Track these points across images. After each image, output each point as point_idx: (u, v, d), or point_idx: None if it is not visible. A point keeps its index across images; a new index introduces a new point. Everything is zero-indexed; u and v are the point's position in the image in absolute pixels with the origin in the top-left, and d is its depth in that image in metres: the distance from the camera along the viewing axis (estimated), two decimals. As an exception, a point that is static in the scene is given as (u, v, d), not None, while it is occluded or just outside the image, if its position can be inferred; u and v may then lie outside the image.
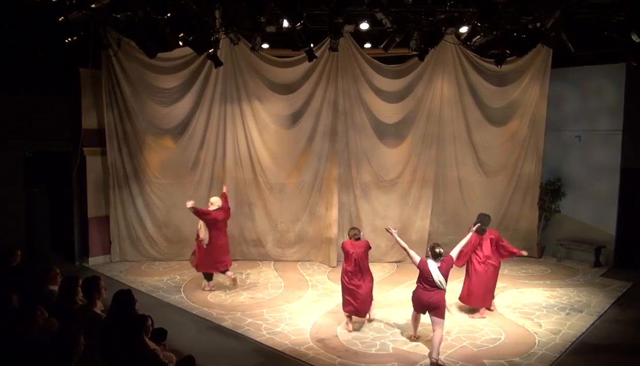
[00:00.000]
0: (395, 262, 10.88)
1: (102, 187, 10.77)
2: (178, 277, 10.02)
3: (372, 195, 11.14)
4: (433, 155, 11.19)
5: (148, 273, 10.22)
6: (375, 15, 7.87)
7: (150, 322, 4.71)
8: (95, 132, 10.59)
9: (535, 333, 7.52)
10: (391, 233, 7.44)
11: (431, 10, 8.03)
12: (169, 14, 7.28)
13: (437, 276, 6.62)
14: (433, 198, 11.31)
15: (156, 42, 8.70)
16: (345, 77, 10.72)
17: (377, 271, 9.11)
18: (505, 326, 7.79)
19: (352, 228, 7.90)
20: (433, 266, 6.65)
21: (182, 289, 9.32)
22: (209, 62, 9.88)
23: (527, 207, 11.67)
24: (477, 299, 8.08)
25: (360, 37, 10.38)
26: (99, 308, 5.41)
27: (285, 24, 8.55)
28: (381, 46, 9.19)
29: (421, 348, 7.00)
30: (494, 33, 8.33)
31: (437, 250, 6.72)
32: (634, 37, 7.50)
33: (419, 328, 7.28)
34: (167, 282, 9.71)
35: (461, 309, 8.44)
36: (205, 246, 8.95)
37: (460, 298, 8.32)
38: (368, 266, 7.79)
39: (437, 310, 6.66)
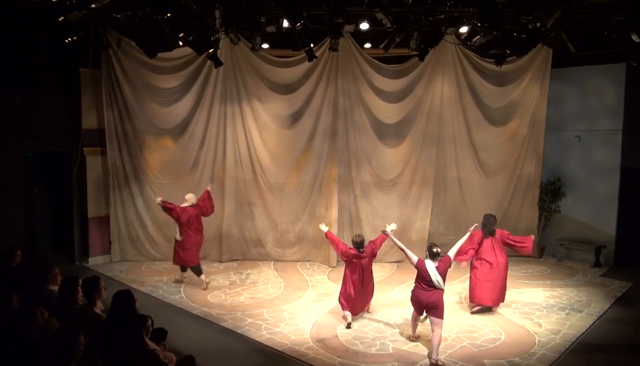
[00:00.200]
0: (395, 262, 10.88)
1: (102, 187, 10.77)
2: (178, 277, 10.00)
3: (372, 195, 11.14)
4: (433, 155, 11.19)
5: (148, 273, 10.22)
6: (375, 15, 7.88)
7: (150, 322, 4.71)
8: (95, 132, 10.59)
9: (535, 333, 7.52)
10: (387, 234, 7.51)
11: (431, 10, 8.03)
12: (169, 14, 7.28)
13: (434, 276, 6.63)
14: (433, 198, 11.31)
15: (156, 42, 8.70)
16: (345, 77, 10.72)
17: (377, 271, 9.11)
18: (505, 326, 7.79)
19: (357, 236, 7.94)
20: (431, 266, 6.66)
21: (182, 289, 9.32)
22: (209, 62, 9.88)
23: (527, 207, 11.68)
24: (493, 298, 8.17)
25: (360, 37, 10.38)
26: (99, 308, 5.41)
27: (285, 24, 8.55)
28: (381, 46, 9.19)
29: (421, 348, 7.00)
30: (494, 33, 8.33)
31: (435, 250, 6.74)
32: (634, 37, 7.50)
33: (419, 328, 7.29)
34: (167, 282, 9.71)
35: (461, 309, 8.44)
36: (177, 240, 9.22)
37: (473, 300, 8.31)
38: (372, 274, 8.01)
39: (435, 309, 6.67)
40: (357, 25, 9.16)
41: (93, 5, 6.89)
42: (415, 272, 6.89)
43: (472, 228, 7.50)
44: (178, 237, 9.21)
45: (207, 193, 9.62)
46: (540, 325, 7.82)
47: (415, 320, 7.19)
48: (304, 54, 9.50)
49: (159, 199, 9.22)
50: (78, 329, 4.12)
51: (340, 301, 7.97)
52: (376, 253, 7.97)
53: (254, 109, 10.90)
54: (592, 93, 11.25)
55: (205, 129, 10.86)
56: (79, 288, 5.46)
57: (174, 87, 10.61)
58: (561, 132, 11.66)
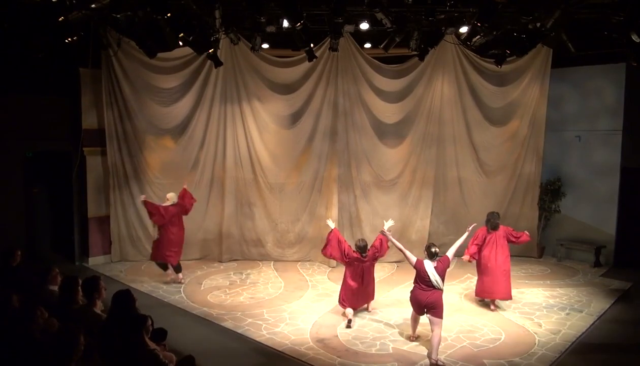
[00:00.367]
0: (395, 262, 10.87)
1: (102, 187, 10.77)
2: (172, 277, 10.00)
3: (372, 195, 11.14)
4: (433, 155, 11.20)
5: (148, 273, 10.21)
6: (375, 15, 7.88)
7: (150, 322, 4.71)
8: (95, 132, 10.59)
9: (535, 333, 7.52)
10: (386, 235, 7.54)
11: (431, 10, 8.03)
12: (169, 14, 7.29)
13: (433, 276, 6.64)
14: (433, 198, 11.32)
15: (156, 42, 8.70)
16: (345, 77, 10.72)
17: (377, 271, 9.09)
18: (505, 326, 7.79)
19: (361, 240, 8.00)
20: (429, 266, 6.68)
21: (182, 289, 9.32)
22: (209, 62, 9.88)
23: (527, 207, 11.68)
24: (493, 292, 8.39)
25: (360, 37, 10.38)
26: (99, 308, 5.41)
27: (285, 24, 8.55)
28: (381, 46, 9.20)
29: (421, 348, 7.00)
30: (494, 33, 8.33)
31: (433, 249, 6.75)
32: (634, 37, 7.49)
33: (419, 328, 7.28)
34: (167, 282, 9.70)
35: (461, 309, 8.44)
36: (156, 237, 9.43)
37: (477, 294, 8.60)
38: (373, 276, 8.09)
39: (435, 309, 6.67)
40: (357, 25, 9.16)
41: (93, 5, 6.89)
42: (414, 272, 6.90)
43: (470, 228, 7.50)
44: (155, 236, 9.44)
45: (184, 190, 9.75)
46: (540, 325, 7.82)
47: (414, 320, 7.19)
48: (304, 54, 9.51)
49: (142, 197, 9.46)
50: (78, 329, 4.12)
51: (340, 302, 8.01)
52: (377, 257, 8.01)
53: (254, 109, 10.90)
54: (592, 93, 11.24)
55: (205, 129, 10.86)
56: (79, 288, 5.46)
57: (174, 87, 10.61)
58: (561, 132, 11.65)
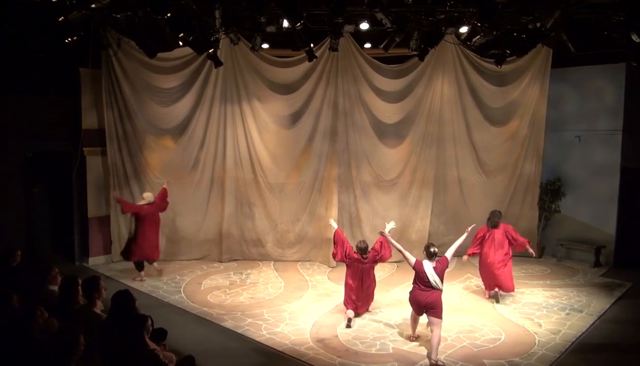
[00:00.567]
0: (395, 262, 10.84)
1: (102, 187, 10.76)
2: (178, 277, 10.02)
3: (372, 195, 11.13)
4: (433, 155, 11.20)
5: (148, 273, 10.20)
6: (375, 15, 7.88)
7: (150, 322, 4.71)
8: (96, 132, 10.58)
9: (535, 333, 7.52)
10: (385, 236, 7.55)
11: (431, 10, 8.03)
12: (169, 14, 7.29)
13: (432, 276, 6.65)
14: (433, 198, 11.32)
15: (156, 42, 8.70)
16: (345, 77, 10.72)
17: (377, 271, 9.07)
18: (505, 326, 7.79)
19: (362, 241, 8.03)
20: (428, 266, 6.69)
21: (182, 289, 9.32)
22: (209, 62, 9.88)
23: (527, 207, 11.67)
24: (492, 285, 8.72)
25: (360, 37, 10.38)
26: (99, 308, 5.41)
27: (285, 24, 8.55)
28: (381, 46, 9.20)
29: (421, 349, 7.00)
30: (494, 33, 8.34)
31: (432, 250, 6.77)
32: (634, 37, 7.49)
33: (419, 328, 7.29)
34: (167, 282, 9.71)
35: (461, 309, 8.44)
36: (132, 234, 9.68)
37: (487, 288, 8.91)
38: (372, 278, 8.11)
39: (434, 309, 6.68)
40: (357, 25, 9.16)
41: (93, 5, 6.89)
42: (414, 272, 6.90)
43: (469, 229, 7.50)
44: (132, 232, 9.67)
45: (164, 190, 9.92)
46: (540, 325, 7.82)
47: (414, 320, 7.20)
48: (304, 54, 9.51)
49: (115, 193, 9.76)
50: (78, 329, 4.12)
51: (344, 303, 8.07)
52: (378, 259, 8.02)
53: (254, 109, 10.90)
54: (592, 93, 11.24)
55: (205, 129, 10.85)
56: (79, 288, 5.46)
57: (174, 87, 10.60)
58: (561, 132, 11.65)
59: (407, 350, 6.98)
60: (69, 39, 8.22)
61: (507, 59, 9.87)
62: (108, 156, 10.56)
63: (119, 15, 7.56)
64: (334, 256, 8.19)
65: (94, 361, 4.28)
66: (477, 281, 9.91)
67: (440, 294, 6.76)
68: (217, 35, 9.00)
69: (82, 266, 10.55)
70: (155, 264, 9.94)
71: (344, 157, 10.96)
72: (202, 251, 11.22)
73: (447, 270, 6.98)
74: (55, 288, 5.86)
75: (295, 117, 11.01)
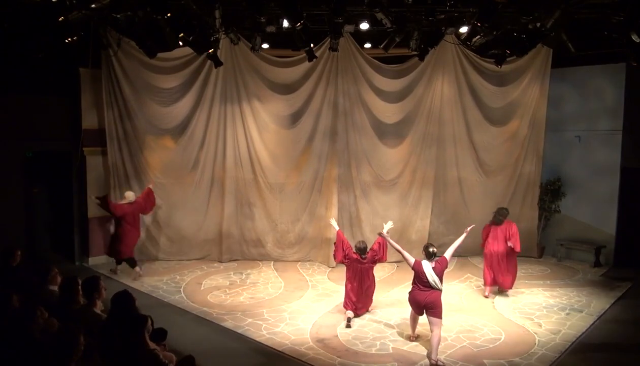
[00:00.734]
0: (395, 262, 10.84)
1: (103, 187, 10.75)
2: (178, 277, 10.02)
3: (372, 195, 11.13)
4: (433, 155, 11.20)
5: (148, 273, 10.21)
6: (375, 15, 7.88)
7: (150, 322, 4.71)
8: (96, 132, 10.58)
9: (535, 333, 7.52)
10: (384, 237, 7.55)
11: (431, 10, 8.03)
12: (169, 14, 7.29)
13: (431, 276, 6.65)
14: (433, 198, 11.32)
15: (156, 42, 8.70)
16: (345, 77, 10.72)
17: (377, 271, 9.09)
18: (505, 326, 7.79)
19: (361, 242, 8.05)
20: (427, 266, 6.69)
21: (182, 289, 9.32)
22: (209, 62, 9.88)
23: (527, 207, 11.68)
24: (491, 280, 8.98)
25: (360, 37, 10.38)
26: (99, 308, 5.40)
27: (285, 24, 8.55)
28: (381, 46, 9.20)
29: (421, 348, 7.00)
30: (494, 33, 8.34)
31: (431, 250, 6.77)
32: (634, 37, 7.49)
33: (419, 328, 7.29)
34: (167, 282, 9.71)
35: (461, 309, 8.44)
36: (111, 233, 9.89)
37: (488, 283, 9.04)
38: (372, 278, 8.10)
39: (433, 309, 6.68)
40: (357, 25, 9.16)
41: (93, 5, 6.89)
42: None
43: (469, 229, 7.47)
44: (112, 230, 9.86)
45: (149, 189, 10.07)
46: (540, 325, 7.82)
47: (414, 320, 7.20)
48: (304, 54, 9.50)
49: (94, 197, 9.88)
50: (78, 329, 4.12)
51: (344, 302, 8.09)
52: (377, 260, 8.03)
53: (254, 109, 10.90)
54: (592, 93, 11.24)
55: (205, 129, 10.85)
56: (79, 288, 5.46)
57: (174, 87, 10.60)
58: (561, 132, 11.65)
59: (407, 350, 6.98)
60: (69, 39, 8.22)
61: (507, 59, 9.87)
62: (108, 155, 10.56)
63: (119, 15, 7.56)
64: (335, 257, 8.22)
65: (94, 361, 4.28)
66: (477, 281, 9.93)
67: (440, 294, 6.76)
68: (217, 35, 9.00)
69: (82, 266, 10.55)
70: (118, 266, 10.03)
71: (344, 157, 10.96)
72: (202, 251, 11.23)
73: (446, 270, 6.98)
74: (55, 288, 5.86)
75: (295, 117, 11.00)
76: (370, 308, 8.28)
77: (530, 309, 8.51)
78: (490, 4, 7.28)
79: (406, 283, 9.28)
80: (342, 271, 8.42)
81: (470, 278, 10.20)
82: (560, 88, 11.51)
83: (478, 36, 8.53)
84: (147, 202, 10.05)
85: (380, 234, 7.79)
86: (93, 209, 10.69)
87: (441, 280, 6.76)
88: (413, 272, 6.89)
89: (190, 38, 8.16)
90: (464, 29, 9.08)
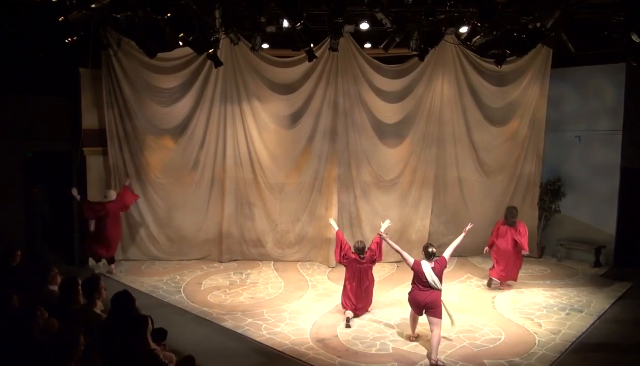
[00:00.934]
0: (395, 262, 10.85)
1: (103, 187, 10.75)
2: (178, 277, 10.02)
3: (372, 195, 11.13)
4: (433, 155, 11.20)
5: (148, 273, 10.22)
6: (375, 15, 7.88)
7: (150, 322, 4.71)
8: (96, 132, 10.57)
9: (535, 333, 7.52)
10: (383, 238, 7.55)
11: (431, 10, 8.03)
12: (169, 14, 7.29)
13: (430, 276, 6.66)
14: (433, 198, 11.32)
15: (156, 42, 8.70)
16: (345, 77, 10.71)
17: (377, 271, 9.10)
18: (505, 326, 7.79)
19: (359, 242, 8.06)
20: (427, 266, 6.70)
21: (182, 289, 9.32)
22: (209, 62, 9.87)
23: (527, 207, 11.67)
24: (501, 275, 9.44)
25: (360, 37, 10.38)
26: (99, 308, 5.41)
27: (285, 24, 8.54)
28: (381, 46, 9.19)
29: (421, 348, 7.00)
30: (494, 33, 8.33)
31: (430, 250, 6.78)
32: (634, 37, 7.49)
33: (419, 328, 7.29)
34: (167, 282, 9.71)
35: (461, 309, 8.44)
36: (91, 231, 9.89)
37: (493, 275, 9.49)
38: (371, 278, 8.10)
39: (433, 309, 6.68)
40: (357, 25, 9.16)
41: (93, 5, 6.88)
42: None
43: (467, 229, 7.47)
44: (92, 228, 9.87)
45: (125, 188, 10.18)
46: (540, 325, 7.82)
47: (413, 320, 7.20)
48: (304, 54, 9.50)
49: (74, 192, 9.81)
50: (78, 329, 4.12)
51: (342, 302, 8.08)
52: (375, 260, 8.04)
53: (254, 109, 10.89)
54: (592, 93, 11.24)
55: (205, 129, 10.85)
56: (79, 288, 5.46)
57: (174, 87, 10.60)
58: (561, 132, 11.65)
59: (407, 350, 6.98)
60: (69, 39, 8.21)
61: (507, 59, 9.86)
62: (109, 155, 10.57)
63: (119, 15, 7.56)
64: (335, 257, 8.23)
65: (94, 361, 4.28)
66: (477, 281, 9.94)
67: (440, 294, 6.76)
68: (217, 35, 8.99)
69: (82, 266, 10.53)
70: (101, 263, 10.19)
71: (344, 157, 10.95)
72: (203, 251, 11.23)
73: (446, 270, 6.98)
74: (55, 288, 5.86)
75: (295, 117, 11.00)
76: (370, 308, 8.28)
77: (530, 309, 8.51)
78: (490, 4, 7.28)
79: (406, 283, 9.27)
80: (342, 271, 8.42)
81: (471, 278, 10.21)
82: (560, 88, 11.51)
83: (478, 36, 8.53)
84: (125, 200, 10.13)
85: (379, 235, 7.78)
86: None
87: (441, 280, 6.77)
88: (412, 272, 6.89)
89: (190, 38, 8.16)
90: (464, 29, 9.08)
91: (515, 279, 9.61)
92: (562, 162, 11.67)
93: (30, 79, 9.76)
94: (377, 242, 7.96)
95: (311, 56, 9.47)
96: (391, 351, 6.96)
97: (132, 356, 4.46)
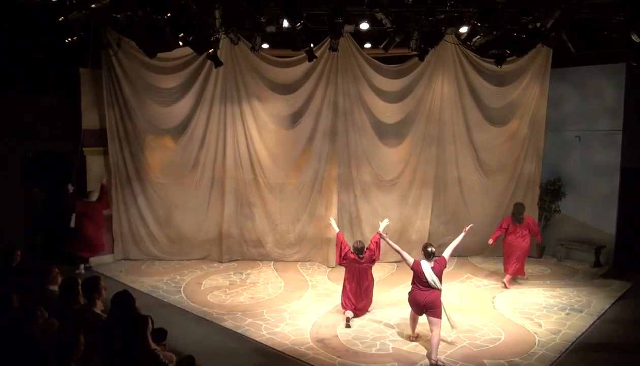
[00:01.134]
0: (395, 262, 10.85)
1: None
2: (178, 277, 10.02)
3: (372, 195, 11.13)
4: (433, 155, 11.20)
5: (148, 273, 10.22)
6: (375, 15, 7.88)
7: (150, 322, 4.71)
8: (96, 132, 10.59)
9: (535, 333, 7.52)
10: (383, 238, 7.55)
11: (431, 10, 8.03)
12: (169, 14, 7.29)
13: (430, 276, 6.66)
14: (433, 198, 11.32)
15: (156, 42, 8.70)
16: (345, 77, 10.71)
17: (377, 271, 9.11)
18: (505, 326, 7.79)
19: (358, 242, 8.07)
20: (426, 266, 6.70)
21: (182, 289, 9.32)
22: (209, 62, 9.88)
23: (527, 207, 11.54)
24: (510, 270, 9.66)
25: (360, 37, 10.38)
26: (99, 308, 5.41)
27: (285, 24, 8.55)
28: (381, 46, 9.19)
29: (421, 348, 7.00)
30: (494, 33, 8.33)
31: (429, 249, 6.77)
32: (634, 37, 7.49)
33: (419, 328, 7.29)
34: (167, 282, 9.71)
35: (461, 309, 8.45)
36: (71, 226, 9.99)
37: (512, 273, 9.70)
38: (370, 278, 8.08)
39: (433, 309, 6.68)
40: (357, 25, 9.16)
41: (93, 5, 6.89)
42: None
43: (467, 228, 7.46)
44: (72, 224, 10.00)
45: (101, 187, 10.27)
46: (540, 325, 7.82)
47: (413, 320, 7.20)
48: (304, 54, 9.50)
49: (69, 187, 9.99)
50: (78, 329, 4.12)
51: (341, 302, 8.08)
52: (374, 260, 8.03)
53: (254, 109, 10.90)
54: (592, 93, 11.23)
55: (205, 129, 10.85)
56: (79, 288, 5.46)
57: (174, 87, 10.60)
58: (561, 132, 11.65)
59: (407, 350, 6.98)
60: (69, 39, 8.21)
61: (507, 59, 9.86)
62: (110, 155, 10.59)
63: (119, 15, 7.56)
64: (336, 259, 8.25)
65: (94, 361, 4.28)
66: (477, 281, 9.95)
67: (439, 294, 6.76)
68: (217, 35, 8.99)
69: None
70: (83, 265, 10.22)
71: (344, 157, 10.95)
72: (203, 252, 11.23)
73: (446, 270, 6.98)
74: (56, 288, 5.86)
75: (295, 117, 11.00)
76: (370, 308, 8.28)
77: (530, 309, 8.51)
78: (490, 4, 7.28)
79: (406, 283, 9.27)
80: (342, 271, 8.42)
81: (470, 278, 10.21)
82: (560, 88, 11.50)
83: (478, 36, 8.53)
84: (104, 199, 10.25)
85: (379, 234, 7.77)
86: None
87: (440, 280, 6.76)
88: (412, 272, 6.90)
89: (190, 38, 8.16)
90: (464, 29, 9.08)
91: (523, 275, 9.83)
92: (562, 162, 11.66)
93: (30, 79, 9.77)
94: (376, 242, 7.96)
95: (311, 56, 9.47)
96: (391, 351, 6.96)
97: (132, 356, 4.46)
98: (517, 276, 9.82)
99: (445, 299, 7.02)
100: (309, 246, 11.25)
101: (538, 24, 7.64)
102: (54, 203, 11.16)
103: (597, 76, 11.11)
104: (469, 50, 10.71)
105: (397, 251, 7.07)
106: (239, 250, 11.22)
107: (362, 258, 7.90)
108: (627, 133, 10.81)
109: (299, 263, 11.07)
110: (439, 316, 6.69)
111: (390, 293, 9.29)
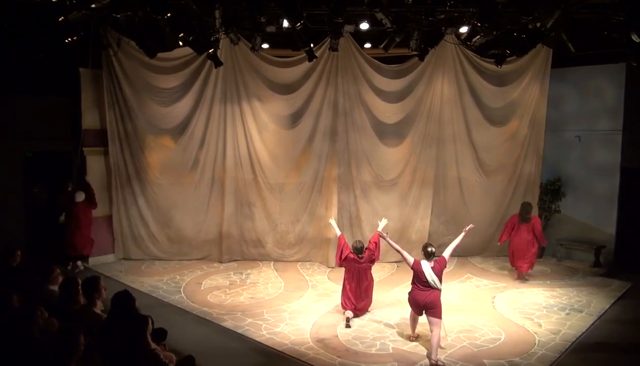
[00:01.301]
0: (395, 262, 10.85)
1: (103, 187, 10.76)
2: (178, 277, 10.02)
3: (372, 195, 11.13)
4: (433, 155, 11.20)
5: (148, 273, 10.22)
6: (375, 15, 7.88)
7: (150, 322, 4.71)
8: (95, 132, 10.59)
9: (535, 333, 7.52)
10: (383, 237, 7.55)
11: (431, 10, 8.03)
12: (169, 14, 7.29)
13: (430, 276, 6.66)
14: (433, 198, 11.32)
15: (156, 42, 8.69)
16: (345, 77, 10.71)
17: (377, 271, 9.12)
18: (505, 326, 7.79)
19: (358, 241, 8.07)
20: (426, 266, 6.70)
21: (182, 289, 9.32)
22: (209, 62, 9.88)
23: (528, 207, 11.66)
24: (518, 266, 9.99)
25: (360, 37, 10.38)
26: (99, 308, 5.41)
27: (285, 24, 8.55)
28: (381, 46, 9.19)
29: (421, 348, 7.00)
30: (494, 33, 8.33)
31: (429, 249, 6.77)
32: (634, 37, 7.49)
33: (419, 328, 7.29)
34: (167, 282, 9.71)
35: (461, 309, 8.45)
36: (60, 222, 10.13)
37: (512, 264, 10.10)
38: (370, 278, 8.07)
39: (433, 309, 6.68)
40: (357, 25, 9.16)
41: (93, 5, 6.89)
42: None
43: (467, 228, 7.45)
44: (61, 220, 10.14)
45: (88, 186, 10.30)
46: (540, 325, 7.82)
47: (413, 320, 7.20)
48: (304, 54, 9.50)
49: (69, 186, 10.19)
50: (78, 329, 4.13)
51: (341, 302, 8.07)
52: (374, 260, 8.04)
53: (254, 109, 10.89)
54: (592, 93, 11.24)
55: (205, 129, 10.85)
56: (79, 288, 5.46)
57: (174, 87, 10.60)
58: (561, 132, 11.65)
59: (407, 350, 6.98)
60: (69, 39, 8.22)
61: (507, 59, 9.86)
62: (110, 155, 10.60)
63: (119, 15, 7.56)
64: (336, 262, 8.27)
65: (94, 361, 4.28)
66: (477, 281, 9.95)
67: (439, 294, 6.76)
68: (217, 35, 8.99)
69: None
70: (79, 262, 10.33)
71: (344, 157, 10.95)
72: (203, 252, 11.23)
73: (446, 270, 6.98)
74: (56, 288, 5.86)
75: (295, 117, 11.00)
76: (370, 308, 8.28)
77: (530, 309, 8.51)
78: (490, 4, 7.28)
79: (406, 283, 9.27)
80: (342, 271, 8.42)
81: (470, 278, 10.21)
82: (560, 88, 11.50)
83: (478, 36, 8.53)
84: (90, 201, 10.26)
85: (379, 234, 7.77)
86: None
87: (440, 280, 6.76)
88: (412, 272, 6.90)
89: (190, 38, 8.15)
90: (464, 29, 9.08)
91: (525, 271, 9.99)
92: (562, 162, 11.67)
93: (30, 79, 9.78)
94: (376, 241, 7.96)
95: (311, 56, 9.47)
96: (391, 351, 6.96)
97: (132, 356, 4.46)
98: (522, 273, 9.98)
99: (445, 299, 7.01)
100: (309, 246, 11.25)
101: (538, 24, 7.65)
102: (54, 203, 11.18)
103: (597, 76, 11.11)
104: (469, 51, 10.71)
105: (398, 251, 7.08)
106: (239, 250, 11.22)
107: (361, 258, 7.91)
108: (627, 133, 10.82)
109: (299, 263, 11.07)
110: (439, 316, 6.69)
111: (390, 293, 9.29)
